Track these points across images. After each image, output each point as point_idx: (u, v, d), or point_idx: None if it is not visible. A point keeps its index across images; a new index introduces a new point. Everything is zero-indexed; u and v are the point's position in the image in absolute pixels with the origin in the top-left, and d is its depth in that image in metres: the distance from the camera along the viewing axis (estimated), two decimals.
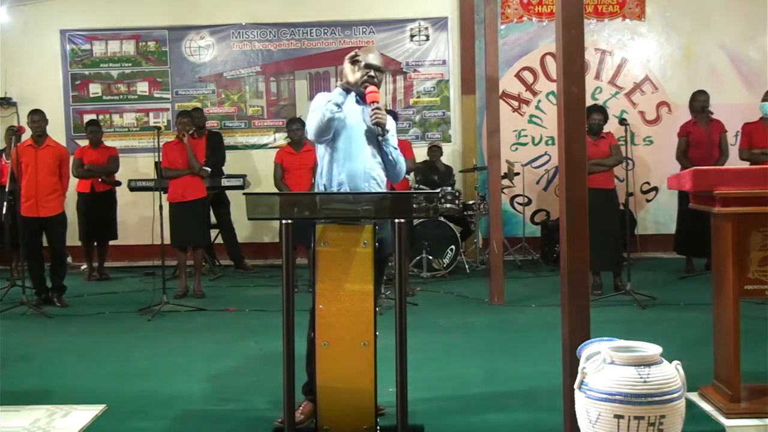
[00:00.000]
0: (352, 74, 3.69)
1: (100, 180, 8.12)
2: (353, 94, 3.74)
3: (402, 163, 3.80)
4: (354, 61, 3.69)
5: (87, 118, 8.96)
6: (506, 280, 6.79)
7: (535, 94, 9.43)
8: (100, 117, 9.27)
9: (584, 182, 3.38)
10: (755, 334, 4.48)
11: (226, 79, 9.48)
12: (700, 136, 7.48)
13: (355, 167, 3.64)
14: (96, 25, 9.45)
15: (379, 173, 3.72)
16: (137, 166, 9.26)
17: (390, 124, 3.76)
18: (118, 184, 8.37)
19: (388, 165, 3.76)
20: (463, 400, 4.05)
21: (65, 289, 7.01)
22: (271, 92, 9.49)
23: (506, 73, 9.20)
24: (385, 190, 3.75)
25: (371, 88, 3.65)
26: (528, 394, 4.11)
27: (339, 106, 3.61)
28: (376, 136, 3.68)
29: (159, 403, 4.09)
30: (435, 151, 8.55)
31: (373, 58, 3.73)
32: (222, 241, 8.80)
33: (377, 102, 3.63)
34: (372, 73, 3.69)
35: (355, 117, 3.71)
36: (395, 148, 3.76)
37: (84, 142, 8.50)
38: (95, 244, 8.38)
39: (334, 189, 3.63)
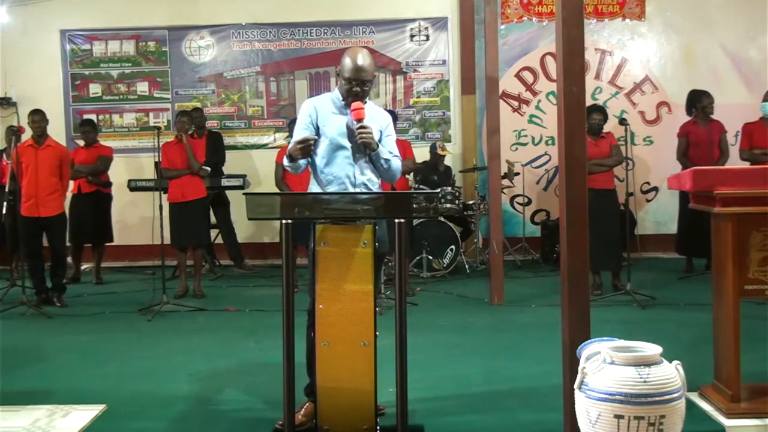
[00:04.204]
0: (340, 87, 3.66)
1: (87, 180, 7.89)
2: (339, 100, 3.67)
3: (394, 169, 3.69)
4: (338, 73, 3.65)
5: (87, 118, 8.94)
6: (506, 280, 6.79)
7: (535, 94, 9.43)
8: (100, 117, 9.29)
9: (584, 182, 3.38)
10: (755, 334, 4.48)
11: (226, 79, 9.48)
12: (700, 136, 7.48)
13: (338, 175, 3.60)
14: (96, 25, 9.44)
15: (370, 178, 3.66)
16: (137, 166, 9.26)
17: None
18: (108, 184, 8.14)
19: (380, 171, 3.69)
20: (462, 400, 4.05)
21: (65, 289, 7.01)
22: (271, 92, 9.49)
23: (506, 73, 9.20)
24: (380, 191, 3.72)
25: (356, 104, 3.53)
26: (528, 394, 4.11)
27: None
28: (360, 146, 3.56)
29: (159, 403, 4.09)
30: (437, 156, 8.51)
31: (356, 70, 3.54)
32: (222, 241, 8.79)
33: (362, 119, 3.52)
34: (356, 88, 3.56)
35: (337, 127, 3.63)
36: (389, 154, 3.65)
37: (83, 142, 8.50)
38: (85, 246, 8.16)
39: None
